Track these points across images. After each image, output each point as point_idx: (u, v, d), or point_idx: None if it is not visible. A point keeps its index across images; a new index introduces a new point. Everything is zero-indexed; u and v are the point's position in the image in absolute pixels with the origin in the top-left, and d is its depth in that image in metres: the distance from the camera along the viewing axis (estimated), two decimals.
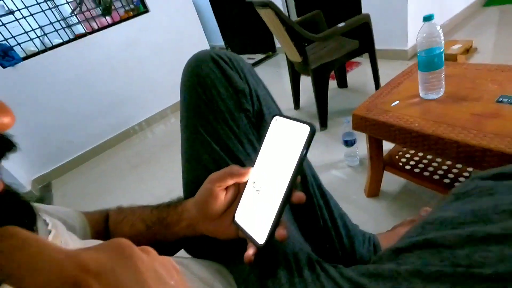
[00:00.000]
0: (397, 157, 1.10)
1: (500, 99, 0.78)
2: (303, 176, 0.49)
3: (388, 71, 1.85)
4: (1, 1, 1.95)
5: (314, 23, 1.79)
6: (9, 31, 1.99)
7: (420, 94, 0.92)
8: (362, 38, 1.50)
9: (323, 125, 1.64)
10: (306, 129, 0.31)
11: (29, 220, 0.24)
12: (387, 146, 1.07)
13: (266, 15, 1.44)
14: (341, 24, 1.37)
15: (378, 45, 1.60)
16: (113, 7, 2.39)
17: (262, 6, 1.38)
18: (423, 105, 0.89)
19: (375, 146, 1.03)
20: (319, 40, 1.36)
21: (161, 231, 0.43)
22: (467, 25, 2.35)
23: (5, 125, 0.22)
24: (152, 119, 2.66)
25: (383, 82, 1.42)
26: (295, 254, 0.39)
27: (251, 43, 3.44)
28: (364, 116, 0.95)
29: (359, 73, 2.20)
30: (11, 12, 1.97)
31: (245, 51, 3.69)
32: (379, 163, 1.08)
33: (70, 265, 0.17)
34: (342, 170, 1.34)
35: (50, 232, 0.31)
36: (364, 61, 2.30)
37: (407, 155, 1.09)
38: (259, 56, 3.45)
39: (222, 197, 0.38)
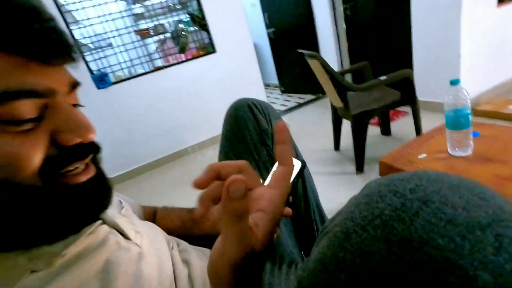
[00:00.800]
0: None
1: None
2: (307, 202, 0.60)
3: (436, 124, 1.83)
4: (107, 36, 2.50)
5: (361, 72, 1.92)
6: (108, 62, 2.51)
7: (448, 150, 0.96)
8: (405, 91, 1.57)
9: (359, 169, 1.68)
10: (298, 164, 0.43)
11: (110, 196, 0.36)
12: None
13: (313, 64, 1.62)
14: (383, 77, 1.47)
15: (428, 97, 1.63)
16: (188, 47, 2.86)
17: (310, 57, 1.57)
18: (449, 161, 0.93)
19: None
20: (358, 90, 1.47)
21: (192, 227, 0.58)
22: None
23: (89, 139, 0.33)
24: (203, 143, 2.96)
25: None
26: (281, 255, 0.49)
27: (303, 84, 3.66)
28: (390, 164, 1.01)
29: (405, 123, 2.21)
30: (111, 47, 2.51)
31: (297, 90, 3.92)
32: None
33: None
34: None
35: (123, 207, 0.47)
36: (410, 112, 2.30)
37: None
38: (309, 97, 3.64)
39: None
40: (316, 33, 3.30)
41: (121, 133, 2.61)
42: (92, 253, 0.32)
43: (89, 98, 2.41)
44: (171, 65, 2.75)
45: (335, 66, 3.21)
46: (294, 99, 3.82)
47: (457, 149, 0.93)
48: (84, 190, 0.31)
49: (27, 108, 0.26)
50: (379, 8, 2.52)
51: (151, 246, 0.41)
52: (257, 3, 4.00)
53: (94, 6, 2.37)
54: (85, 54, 2.41)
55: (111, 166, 2.61)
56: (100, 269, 0.32)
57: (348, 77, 3.20)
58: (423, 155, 1.00)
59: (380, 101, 1.61)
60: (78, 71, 0.32)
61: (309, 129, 2.75)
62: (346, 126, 1.93)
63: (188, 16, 2.79)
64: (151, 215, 0.63)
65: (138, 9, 2.64)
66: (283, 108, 3.59)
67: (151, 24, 2.69)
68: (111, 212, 0.40)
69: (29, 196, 0.27)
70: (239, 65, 2.96)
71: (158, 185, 2.41)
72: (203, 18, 2.76)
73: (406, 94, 1.55)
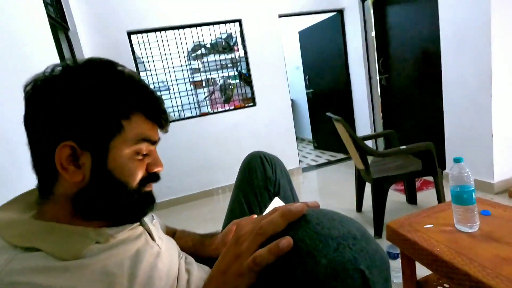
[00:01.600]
0: (434, 283, 1.09)
1: None
2: None
3: None
4: (167, 84, 2.95)
5: (387, 138, 2.01)
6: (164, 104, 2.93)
7: (455, 224, 0.99)
8: (427, 162, 1.62)
9: (377, 233, 1.67)
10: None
11: (153, 206, 0.54)
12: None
13: (338, 126, 1.77)
14: (403, 147, 1.56)
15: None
16: (232, 98, 3.23)
17: (336, 120, 1.73)
18: (454, 234, 0.96)
19: (406, 262, 1.08)
20: (378, 156, 1.56)
21: (200, 249, 0.70)
22: None
23: (159, 171, 0.54)
24: (232, 186, 3.12)
25: None
26: None
27: (335, 142, 3.77)
28: (396, 230, 1.06)
29: (432, 194, 2.16)
30: (168, 92, 2.95)
31: (329, 148, 4.03)
32: (411, 283, 1.09)
33: None
34: None
35: (154, 219, 0.62)
36: None
37: (446, 286, 1.07)
38: (341, 156, 3.71)
39: None
40: (352, 98, 3.50)
41: None
42: (130, 242, 0.48)
43: None
44: (215, 113, 3.10)
45: (367, 130, 3.32)
46: (325, 155, 3.91)
47: (463, 224, 0.96)
48: (151, 195, 0.51)
49: (144, 148, 0.47)
50: (412, 83, 2.68)
51: (166, 251, 0.55)
52: (300, 66, 4.42)
53: (161, 60, 2.88)
54: None
55: None
56: (133, 254, 0.46)
57: (381, 142, 3.26)
58: (429, 225, 1.03)
59: (402, 168, 1.67)
60: None
61: (335, 187, 2.79)
62: (369, 189, 1.97)
63: (236, 73, 3.22)
64: (171, 234, 0.78)
65: (196, 64, 3.13)
66: (313, 163, 3.69)
67: (204, 77, 3.14)
68: (146, 220, 0.56)
69: (130, 193, 0.46)
70: (275, 119, 3.22)
71: (185, 219, 2.56)
72: (249, 76, 3.15)
73: (428, 165, 1.60)
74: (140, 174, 0.47)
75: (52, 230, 0.41)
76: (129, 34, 2.74)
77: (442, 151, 2.28)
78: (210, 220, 2.42)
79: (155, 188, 0.53)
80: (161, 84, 2.96)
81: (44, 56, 1.53)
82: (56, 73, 0.43)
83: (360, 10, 3.09)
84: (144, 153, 0.48)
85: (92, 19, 2.58)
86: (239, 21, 3.01)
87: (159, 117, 0.49)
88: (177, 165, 2.96)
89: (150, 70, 2.87)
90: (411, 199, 2.06)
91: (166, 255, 0.54)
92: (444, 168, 2.31)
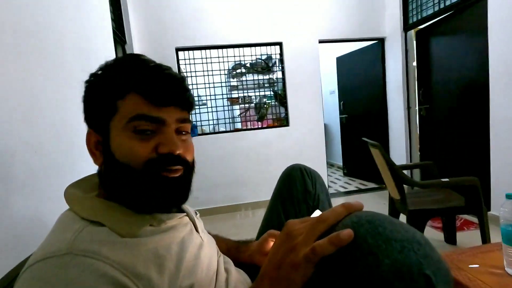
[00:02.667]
0: None
1: None
2: None
3: None
4: (206, 99, 3.10)
5: (424, 170, 1.92)
6: (200, 117, 3.07)
7: (505, 267, 0.91)
8: (471, 198, 1.51)
9: None
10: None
11: (186, 193, 0.52)
12: None
13: (374, 153, 1.73)
14: (445, 179, 1.48)
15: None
16: (266, 117, 3.29)
17: (372, 146, 1.70)
18: (503, 278, 0.88)
19: None
20: (416, 186, 1.49)
21: (235, 254, 0.71)
22: None
23: (175, 153, 0.45)
24: (258, 203, 3.11)
25: None
26: None
27: (366, 171, 3.66)
28: None
29: (475, 236, 1.99)
30: (206, 106, 3.09)
31: (360, 176, 3.91)
32: None
33: None
34: None
35: (197, 214, 0.65)
36: None
37: None
38: (372, 185, 3.57)
39: (270, 244, 0.65)
40: (388, 126, 3.41)
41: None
42: (178, 229, 0.51)
43: None
44: (248, 129, 3.17)
45: (403, 159, 3.18)
46: (355, 183, 3.79)
47: None
48: (174, 182, 0.47)
49: (145, 126, 0.45)
50: (455, 115, 2.56)
51: (208, 245, 0.57)
52: (336, 91, 4.42)
53: (203, 75, 3.05)
54: None
55: None
56: (180, 241, 0.49)
57: (417, 173, 3.10)
58: (475, 266, 0.95)
59: (441, 203, 1.57)
60: None
61: None
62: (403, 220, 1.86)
63: (272, 93, 3.30)
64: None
65: (234, 82, 3.26)
66: (342, 189, 3.59)
67: (241, 94, 3.25)
68: (192, 213, 0.58)
69: (136, 176, 0.44)
70: (307, 141, 3.22)
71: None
72: (284, 96, 3.21)
73: (472, 202, 1.49)
74: (142, 154, 0.45)
75: (114, 209, 0.46)
76: (177, 50, 2.95)
77: (486, 189, 2.12)
78: (233, 235, 2.40)
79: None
80: (200, 99, 3.11)
81: None
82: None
83: (402, 39, 3.08)
84: (144, 129, 0.45)
85: (146, 35, 2.83)
86: (280, 44, 3.13)
87: (156, 95, 0.45)
88: (207, 177, 3.03)
89: (192, 84, 3.04)
90: (450, 239, 1.91)
91: (207, 248, 0.56)
92: (489, 209, 2.14)
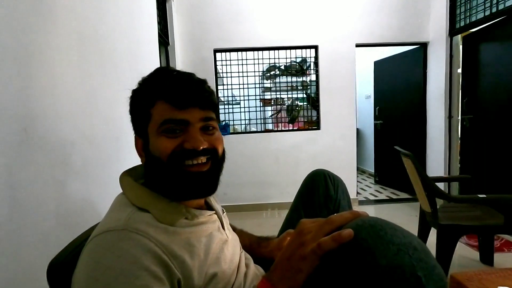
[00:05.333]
0: None
1: None
2: None
3: None
4: (239, 99, 3.19)
5: (463, 184, 1.82)
6: (232, 116, 3.17)
7: None
8: (511, 217, 1.41)
9: None
10: None
11: (213, 186, 0.59)
12: None
13: (406, 162, 1.68)
14: (481, 195, 1.40)
15: None
16: (297, 119, 3.31)
17: (404, 155, 1.65)
18: None
19: None
20: (450, 201, 1.43)
21: (256, 249, 0.77)
22: None
23: (199, 148, 0.52)
24: (283, 205, 3.14)
25: None
26: None
27: (400, 180, 3.51)
28: (461, 283, 0.96)
29: None
30: (238, 106, 3.19)
31: (392, 185, 3.76)
32: None
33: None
34: None
35: (224, 212, 0.71)
36: None
37: None
38: (404, 195, 3.43)
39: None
40: (426, 135, 3.25)
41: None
42: (207, 224, 0.58)
43: None
44: (279, 131, 3.21)
45: (440, 171, 3.02)
46: (387, 192, 3.66)
47: None
48: (199, 176, 0.54)
49: (172, 127, 0.52)
50: (503, 128, 2.38)
51: (232, 242, 0.63)
52: (371, 96, 4.29)
53: (238, 76, 3.15)
54: (220, 107, 3.15)
55: None
56: (208, 234, 0.56)
57: (455, 187, 2.92)
58: (504, 287, 0.91)
59: (477, 220, 1.49)
60: None
61: None
62: (434, 236, 1.79)
63: (305, 95, 3.30)
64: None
65: (268, 84, 3.32)
66: (372, 197, 3.49)
67: (274, 96, 3.30)
68: (220, 212, 0.65)
69: (163, 166, 0.52)
70: (338, 146, 3.18)
71: None
72: (317, 100, 3.20)
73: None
74: (169, 148, 0.52)
75: (158, 200, 0.54)
76: (215, 51, 3.08)
77: None
78: (256, 232, 2.48)
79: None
80: (233, 98, 3.22)
81: (149, 68, 1.86)
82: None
83: (447, 44, 2.91)
84: (173, 129, 0.53)
85: (187, 37, 3.00)
86: (316, 47, 3.13)
87: (178, 98, 0.53)
88: (236, 174, 3.12)
89: (227, 85, 3.16)
90: (486, 259, 1.79)
91: (231, 245, 0.62)
92: None
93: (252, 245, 0.78)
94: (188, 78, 0.56)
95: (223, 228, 0.63)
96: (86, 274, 0.42)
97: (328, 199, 0.80)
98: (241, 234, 0.84)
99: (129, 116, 0.59)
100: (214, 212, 0.62)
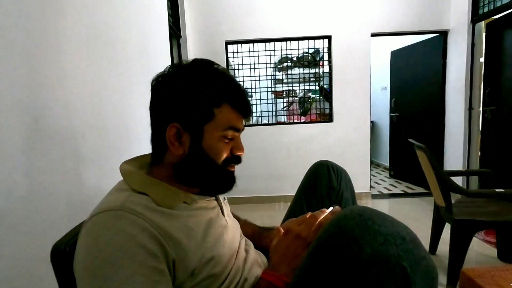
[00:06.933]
0: None
1: None
2: None
3: None
4: (251, 91, 3.18)
5: (483, 179, 1.75)
6: None
7: None
8: None
9: (451, 283, 1.47)
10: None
11: (233, 184, 0.63)
12: None
13: (420, 155, 1.63)
14: (499, 190, 1.34)
15: None
16: (310, 112, 3.26)
17: (418, 148, 1.60)
18: None
19: None
20: (464, 195, 1.37)
21: (258, 239, 0.78)
22: None
23: (242, 155, 0.63)
24: None
25: None
26: None
27: (415, 174, 3.41)
28: (472, 279, 0.93)
29: None
30: (250, 98, 3.18)
31: (407, 179, 3.66)
32: None
33: None
34: None
35: (225, 199, 0.72)
36: None
37: None
38: (420, 189, 3.34)
39: None
40: (444, 128, 3.13)
41: None
42: (207, 210, 0.59)
43: None
44: (291, 123, 3.19)
45: (458, 165, 2.91)
46: (402, 186, 3.57)
47: None
48: (233, 175, 0.62)
49: (230, 133, 0.57)
50: None
51: (231, 228, 0.64)
52: (388, 87, 4.16)
53: (250, 68, 3.13)
54: None
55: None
56: (207, 220, 0.57)
57: (474, 181, 2.81)
58: None
59: (494, 215, 1.43)
60: None
61: (408, 222, 2.51)
62: (448, 231, 1.74)
63: (318, 87, 3.25)
64: (236, 219, 0.87)
65: (280, 76, 3.29)
66: (386, 191, 3.42)
67: (286, 88, 3.27)
68: (220, 199, 0.66)
69: (217, 168, 0.57)
70: (351, 139, 3.12)
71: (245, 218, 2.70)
72: (330, 92, 3.14)
73: None
74: (224, 155, 0.58)
75: (157, 185, 0.55)
76: (227, 43, 3.07)
77: None
78: (267, 225, 2.50)
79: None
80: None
81: (160, 60, 1.88)
82: (171, 71, 0.58)
83: (469, 32, 2.77)
84: (230, 137, 0.58)
85: (198, 29, 3.00)
86: (329, 37, 3.06)
87: (244, 108, 0.58)
88: (248, 167, 3.13)
89: (239, 77, 3.15)
90: (505, 256, 1.73)
91: (231, 231, 0.63)
92: None
93: (254, 235, 0.79)
94: (241, 86, 0.60)
95: (223, 214, 0.64)
96: (84, 252, 0.44)
97: (331, 190, 0.79)
98: (245, 224, 0.85)
99: (163, 101, 0.56)
100: (214, 198, 0.63)
